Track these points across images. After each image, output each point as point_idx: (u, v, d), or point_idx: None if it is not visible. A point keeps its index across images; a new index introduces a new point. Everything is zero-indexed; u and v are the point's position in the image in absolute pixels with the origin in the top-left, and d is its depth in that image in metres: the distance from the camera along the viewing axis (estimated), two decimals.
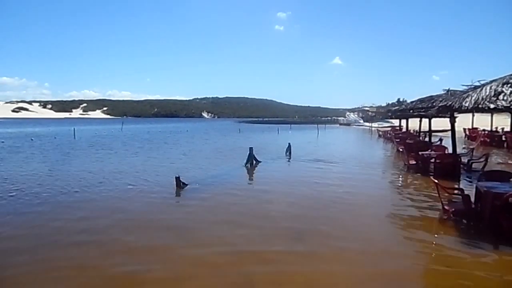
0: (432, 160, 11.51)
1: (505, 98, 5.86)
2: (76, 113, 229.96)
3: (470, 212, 6.28)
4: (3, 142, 26.64)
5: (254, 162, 14.19)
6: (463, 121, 22.89)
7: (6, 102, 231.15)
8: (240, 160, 14.44)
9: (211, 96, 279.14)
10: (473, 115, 25.38)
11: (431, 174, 10.63)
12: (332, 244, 5.68)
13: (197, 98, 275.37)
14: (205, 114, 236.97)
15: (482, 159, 11.69)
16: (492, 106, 5.98)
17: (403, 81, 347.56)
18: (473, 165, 11.82)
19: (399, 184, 11.02)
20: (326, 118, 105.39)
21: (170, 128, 55.75)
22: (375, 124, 50.32)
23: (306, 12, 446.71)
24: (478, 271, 4.69)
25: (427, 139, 17.92)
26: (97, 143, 26.49)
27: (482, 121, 25.81)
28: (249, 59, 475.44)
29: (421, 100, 12.56)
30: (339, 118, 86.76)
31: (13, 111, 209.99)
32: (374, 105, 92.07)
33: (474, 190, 6.70)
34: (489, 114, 23.17)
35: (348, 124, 69.46)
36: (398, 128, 33.09)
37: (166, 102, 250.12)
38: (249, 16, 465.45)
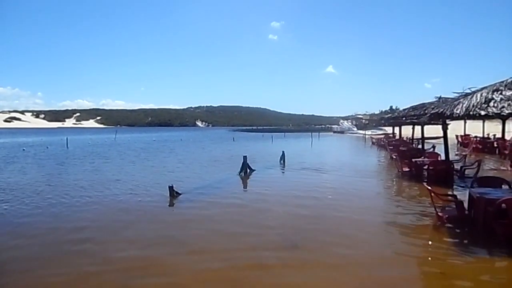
0: (425, 167, 11.58)
1: (495, 105, 5.93)
2: (69, 122, 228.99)
3: (464, 218, 6.31)
4: None
5: (248, 170, 14.17)
6: (456, 128, 23.09)
7: None
8: (235, 168, 14.40)
9: (205, 105, 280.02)
10: (465, 122, 25.54)
11: (424, 181, 10.67)
12: (327, 252, 5.66)
13: (191, 107, 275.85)
14: (199, 123, 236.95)
15: (474, 166, 11.77)
16: (483, 113, 6.04)
17: (396, 89, 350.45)
18: (466, 172, 11.89)
19: (393, 191, 11.06)
20: (320, 126, 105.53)
21: (164, 137, 55.61)
22: (368, 132, 50.54)
23: (300, 22, 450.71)
24: (473, 276, 4.69)
25: (420, 146, 18.05)
26: (91, 153, 26.33)
27: (475, 128, 26.05)
28: (243, 68, 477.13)
29: (413, 108, 12.70)
30: (333, 126, 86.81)
31: (5, 121, 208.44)
32: (367, 113, 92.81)
33: (467, 196, 6.74)
34: (481, 121, 23.39)
35: (342, 132, 69.63)
36: (391, 135, 33.28)
37: (160, 111, 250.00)
38: (243, 25, 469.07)
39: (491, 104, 5.98)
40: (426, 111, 9.33)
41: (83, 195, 10.18)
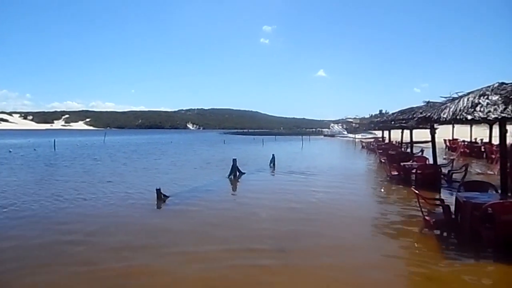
0: (414, 171, 11.62)
1: (481, 109, 5.93)
2: (58, 124, 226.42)
3: (450, 223, 6.30)
4: None
5: (238, 173, 14.08)
6: (444, 132, 23.30)
7: None
8: (225, 171, 14.28)
9: (196, 108, 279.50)
10: (453, 127, 25.82)
11: (412, 184, 10.71)
12: (314, 256, 5.61)
13: (182, 110, 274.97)
14: (190, 126, 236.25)
15: (462, 170, 11.86)
16: (469, 117, 6.03)
17: (386, 93, 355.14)
18: (453, 176, 11.96)
19: (381, 195, 11.07)
20: (311, 130, 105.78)
21: (155, 139, 55.19)
22: (358, 136, 50.85)
23: (291, 26, 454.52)
24: (459, 281, 4.68)
25: (409, 150, 18.15)
26: (80, 154, 25.98)
27: (463, 133, 26.33)
28: (234, 71, 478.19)
29: (402, 112, 12.75)
30: (324, 129, 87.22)
31: None
32: (357, 117, 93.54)
33: (454, 200, 6.75)
34: (469, 126, 23.66)
35: (332, 136, 69.91)
36: (380, 139, 33.51)
37: (150, 113, 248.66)
38: (235, 29, 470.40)
39: (478, 108, 5.97)
40: (414, 115, 9.36)
41: (68, 198, 10.00)
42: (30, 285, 4.70)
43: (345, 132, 70.79)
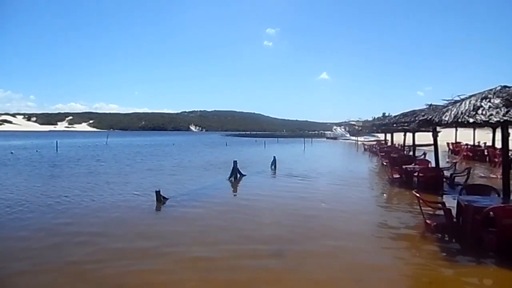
0: (416, 174, 11.55)
1: (483, 112, 5.89)
2: (61, 126, 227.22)
3: (452, 226, 6.25)
4: None
5: (238, 175, 14.05)
6: (447, 136, 23.21)
7: None
8: (226, 173, 14.23)
9: (199, 110, 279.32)
10: (456, 130, 25.74)
11: (414, 188, 10.63)
12: (313, 260, 5.54)
13: (185, 111, 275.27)
14: (192, 127, 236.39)
15: (464, 173, 11.79)
16: (471, 120, 5.99)
17: (389, 96, 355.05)
18: (456, 179, 11.88)
19: (383, 198, 11.01)
20: (313, 132, 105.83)
21: (158, 141, 55.27)
22: (361, 138, 50.66)
23: (295, 29, 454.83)
24: (460, 284, 4.63)
25: (411, 153, 18.07)
26: (84, 156, 26.05)
27: (466, 136, 26.22)
28: (238, 74, 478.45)
29: (404, 115, 12.68)
30: (326, 132, 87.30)
31: None
32: (360, 119, 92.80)
33: (455, 204, 6.70)
34: (472, 129, 23.56)
35: (334, 138, 69.88)
36: (383, 142, 33.40)
37: (153, 115, 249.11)
38: (239, 31, 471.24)
39: (480, 111, 5.93)
40: (416, 118, 9.30)
41: (65, 200, 10.00)
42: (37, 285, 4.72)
43: (348, 135, 70.75)
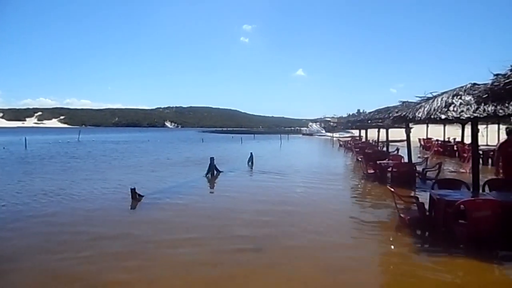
0: (389, 169, 11.82)
1: (455, 109, 6.07)
2: (30, 122, 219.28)
3: (425, 220, 6.43)
4: None
5: (215, 172, 13.96)
6: (419, 132, 23.85)
7: None
8: (203, 170, 14.11)
9: (174, 106, 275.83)
10: (427, 126, 26.50)
11: (388, 182, 10.88)
12: (289, 255, 5.57)
13: (160, 107, 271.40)
14: (168, 124, 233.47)
15: (435, 168, 12.15)
16: (443, 116, 6.18)
17: (363, 93, 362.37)
18: (428, 174, 12.24)
19: (358, 193, 11.21)
20: (290, 128, 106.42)
21: (133, 138, 54.21)
22: (336, 134, 51.46)
23: (271, 25, 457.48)
24: (433, 277, 4.75)
25: (385, 148, 18.48)
26: (56, 153, 25.21)
27: (436, 132, 27.03)
28: (214, 70, 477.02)
29: (378, 111, 12.97)
30: (302, 128, 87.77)
31: None
32: (335, 116, 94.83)
33: (428, 198, 6.89)
34: (442, 125, 24.33)
35: (310, 134, 70.56)
36: (358, 138, 34.03)
37: (127, 111, 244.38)
38: (215, 27, 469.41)
39: (451, 108, 6.12)
40: (390, 115, 9.50)
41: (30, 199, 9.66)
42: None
43: (323, 131, 71.58)
